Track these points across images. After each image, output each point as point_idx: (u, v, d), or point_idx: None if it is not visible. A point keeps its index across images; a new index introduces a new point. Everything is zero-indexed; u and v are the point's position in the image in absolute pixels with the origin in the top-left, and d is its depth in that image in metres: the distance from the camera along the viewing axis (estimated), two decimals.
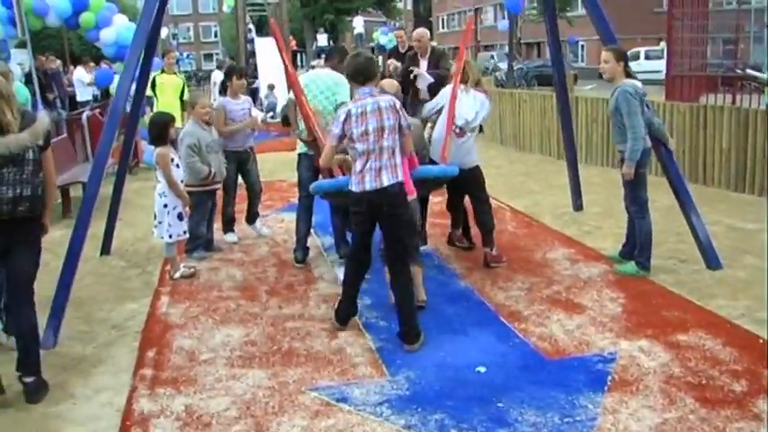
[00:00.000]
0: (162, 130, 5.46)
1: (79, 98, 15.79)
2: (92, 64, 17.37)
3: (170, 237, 5.51)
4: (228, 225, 6.64)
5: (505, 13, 48.42)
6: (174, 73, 10.38)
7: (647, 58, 29.23)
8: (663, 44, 32.02)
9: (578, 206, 7.28)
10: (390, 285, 4.40)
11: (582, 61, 36.93)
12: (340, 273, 5.26)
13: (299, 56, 21.03)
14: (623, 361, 3.91)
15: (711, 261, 5.33)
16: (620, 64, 5.05)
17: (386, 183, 4.10)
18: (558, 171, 9.88)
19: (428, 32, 7.32)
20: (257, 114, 8.34)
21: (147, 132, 5.73)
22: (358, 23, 23.17)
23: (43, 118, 3.70)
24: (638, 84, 5.08)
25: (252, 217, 6.79)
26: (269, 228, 6.98)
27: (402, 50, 8.00)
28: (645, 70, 28.53)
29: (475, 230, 5.87)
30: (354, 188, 4.17)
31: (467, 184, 5.54)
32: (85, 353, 4.31)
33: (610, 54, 5.07)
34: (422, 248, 5.57)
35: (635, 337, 4.21)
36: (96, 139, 10.49)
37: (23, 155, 3.53)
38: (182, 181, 5.58)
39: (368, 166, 4.10)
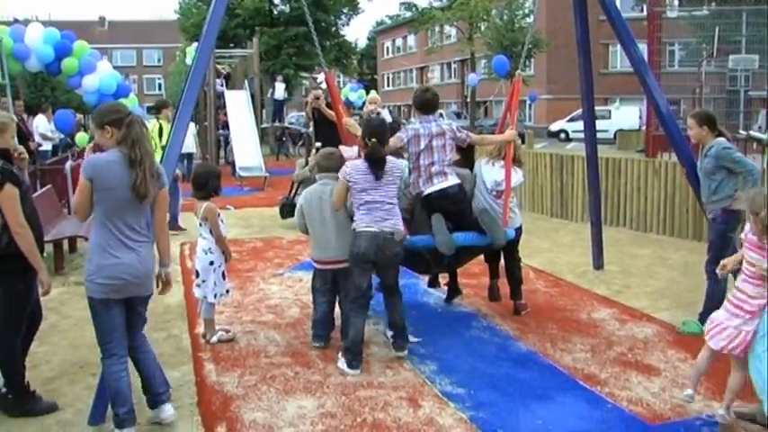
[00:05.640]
0: (212, 183, 5.17)
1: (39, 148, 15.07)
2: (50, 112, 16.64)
3: (214, 296, 5.16)
4: None
5: (454, 70, 50.03)
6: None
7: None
8: (616, 104, 33.49)
9: (599, 265, 7.29)
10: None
11: (529, 120, 38.02)
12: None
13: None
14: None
15: None
16: (703, 128, 5.14)
17: None
18: (555, 229, 9.95)
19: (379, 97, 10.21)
20: None
21: None
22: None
23: None
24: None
25: None
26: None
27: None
28: None
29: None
30: None
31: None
32: (142, 429, 3.91)
33: (692, 120, 5.20)
34: (467, 310, 5.62)
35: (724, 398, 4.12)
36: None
37: None
38: (225, 236, 5.28)
39: None
